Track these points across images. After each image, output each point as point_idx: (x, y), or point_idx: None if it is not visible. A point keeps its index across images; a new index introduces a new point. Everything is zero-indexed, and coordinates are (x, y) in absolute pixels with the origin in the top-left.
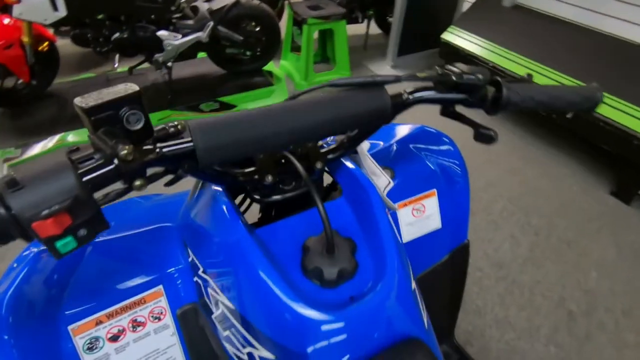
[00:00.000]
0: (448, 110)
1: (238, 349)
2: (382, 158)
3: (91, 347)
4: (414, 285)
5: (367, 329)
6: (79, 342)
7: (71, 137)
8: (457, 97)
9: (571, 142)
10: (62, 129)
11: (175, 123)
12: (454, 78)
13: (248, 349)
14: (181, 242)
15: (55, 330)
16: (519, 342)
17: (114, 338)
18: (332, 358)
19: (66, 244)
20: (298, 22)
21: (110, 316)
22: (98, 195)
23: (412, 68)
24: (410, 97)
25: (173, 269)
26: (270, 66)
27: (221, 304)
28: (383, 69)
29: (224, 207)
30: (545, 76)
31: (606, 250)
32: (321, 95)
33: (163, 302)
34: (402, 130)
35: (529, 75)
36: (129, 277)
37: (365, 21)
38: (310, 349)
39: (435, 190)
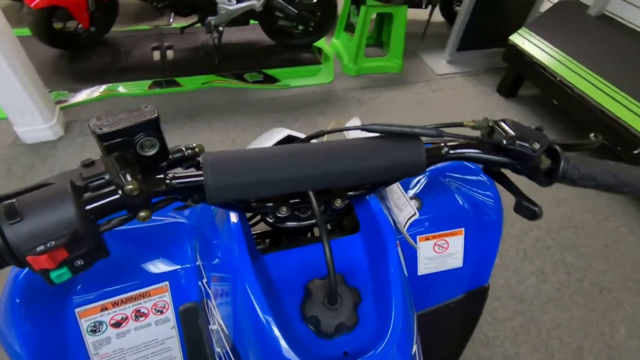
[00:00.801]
0: (492, 170)
1: None
2: (412, 186)
3: (94, 330)
4: (414, 349)
5: None
6: (84, 324)
7: (121, 88)
8: (505, 161)
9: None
10: (112, 78)
11: (193, 145)
12: (504, 142)
13: None
14: (191, 243)
15: (63, 312)
16: None
17: (117, 324)
18: None
19: (60, 275)
20: (357, 1)
21: (115, 304)
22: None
23: (471, 65)
24: (451, 152)
25: (180, 267)
26: (321, 43)
27: (217, 321)
28: (438, 62)
29: (233, 229)
30: (624, 106)
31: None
32: (351, 141)
33: (167, 298)
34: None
35: (596, 136)
36: (138, 269)
37: (429, 7)
38: None
39: (462, 230)
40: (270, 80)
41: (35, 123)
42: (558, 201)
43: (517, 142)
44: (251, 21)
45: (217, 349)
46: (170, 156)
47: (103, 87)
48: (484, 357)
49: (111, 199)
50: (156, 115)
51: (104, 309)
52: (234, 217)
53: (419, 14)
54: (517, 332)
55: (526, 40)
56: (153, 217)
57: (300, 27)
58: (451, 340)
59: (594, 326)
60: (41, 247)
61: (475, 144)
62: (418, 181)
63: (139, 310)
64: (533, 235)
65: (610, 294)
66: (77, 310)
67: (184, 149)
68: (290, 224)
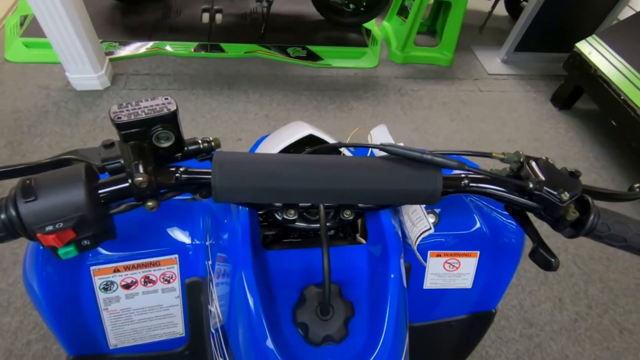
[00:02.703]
0: (514, 210)
1: (216, 349)
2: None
3: (106, 288)
4: None
5: None
6: (97, 281)
7: (168, 47)
8: (528, 204)
9: None
10: (161, 36)
11: (210, 139)
12: (530, 185)
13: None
14: (205, 223)
15: (80, 268)
16: None
17: (127, 286)
18: None
19: (67, 253)
20: None
21: (127, 268)
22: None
23: (526, 68)
24: (471, 185)
25: (191, 243)
26: (371, 25)
27: (214, 303)
28: (491, 60)
29: (241, 221)
30: None
31: None
32: (365, 159)
33: (175, 269)
34: None
35: (638, 189)
36: (151, 239)
37: None
38: None
39: (477, 252)
40: (313, 57)
41: (86, 71)
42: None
43: (545, 188)
44: None
45: (212, 330)
46: (186, 148)
47: (151, 44)
48: None
49: (121, 187)
50: (174, 109)
51: (116, 270)
52: (241, 216)
53: (481, 4)
54: (520, 356)
55: (594, 50)
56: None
57: (351, 6)
58: (446, 357)
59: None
60: (50, 227)
61: (499, 181)
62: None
63: (148, 277)
64: (559, 259)
65: (632, 336)
66: (92, 268)
67: (200, 141)
68: (298, 224)
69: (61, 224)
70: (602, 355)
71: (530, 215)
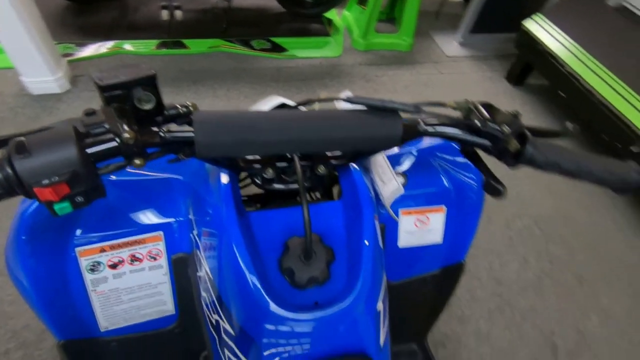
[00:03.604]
0: (466, 150)
1: (210, 313)
2: (400, 163)
3: (93, 269)
4: (379, 305)
5: (321, 335)
6: (83, 262)
7: (128, 46)
8: (478, 142)
9: None
10: (120, 35)
11: (189, 104)
12: (478, 123)
13: (216, 317)
14: (186, 198)
15: (65, 250)
16: (492, 358)
17: (113, 266)
18: (280, 352)
19: (63, 208)
20: None
21: (112, 247)
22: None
23: (482, 49)
24: (428, 128)
25: (174, 219)
26: (332, 14)
27: (204, 269)
28: (449, 43)
29: (223, 182)
30: (631, 104)
31: (618, 300)
32: (333, 111)
33: (161, 246)
34: (427, 138)
35: (575, 128)
36: (136, 217)
37: None
38: (264, 339)
39: (444, 207)
40: (278, 49)
41: (42, 74)
42: (552, 191)
43: (490, 124)
44: None
45: (204, 294)
46: (166, 112)
47: (110, 44)
48: (459, 332)
49: (109, 146)
50: (154, 72)
51: (102, 250)
52: (224, 177)
53: None
54: (492, 312)
55: (540, 27)
56: (152, 172)
57: None
58: (424, 312)
59: (568, 313)
60: (46, 181)
61: (451, 123)
62: (406, 158)
63: (134, 255)
64: (522, 222)
65: (590, 285)
66: (77, 249)
67: (179, 106)
68: (276, 186)
69: (56, 178)
70: (566, 306)
71: (482, 154)
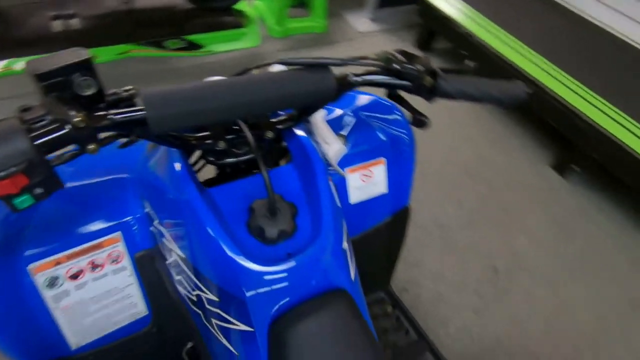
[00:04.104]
0: (392, 94)
1: (189, 292)
2: (338, 125)
3: (51, 284)
4: (345, 245)
5: (299, 281)
6: (39, 279)
7: (21, 64)
8: (399, 83)
9: (525, 115)
10: (8, 53)
11: (129, 87)
12: (396, 66)
13: (197, 292)
14: (138, 193)
15: (14, 269)
16: (448, 291)
17: (74, 277)
18: (267, 304)
19: (23, 201)
20: None
21: (69, 258)
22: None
23: (391, 23)
24: (356, 79)
25: (130, 217)
26: (243, 5)
27: (174, 253)
28: (360, 20)
29: (177, 166)
30: (512, 48)
31: (537, 219)
32: (269, 74)
33: (121, 247)
34: (359, 99)
35: (472, 64)
36: (87, 222)
37: None
38: (249, 295)
39: (384, 159)
40: (194, 46)
41: None
42: (471, 139)
43: (407, 66)
44: None
45: (178, 277)
46: (107, 98)
47: (1, 64)
48: (416, 276)
49: (60, 134)
50: (89, 56)
51: (57, 263)
52: (177, 162)
53: None
54: (441, 253)
55: None
56: (97, 177)
57: None
58: (383, 260)
59: (501, 239)
60: (2, 173)
61: (375, 71)
62: (343, 120)
63: (94, 262)
64: (450, 170)
65: (513, 212)
66: (29, 267)
67: (119, 91)
68: (228, 160)
69: (13, 169)
70: (498, 232)
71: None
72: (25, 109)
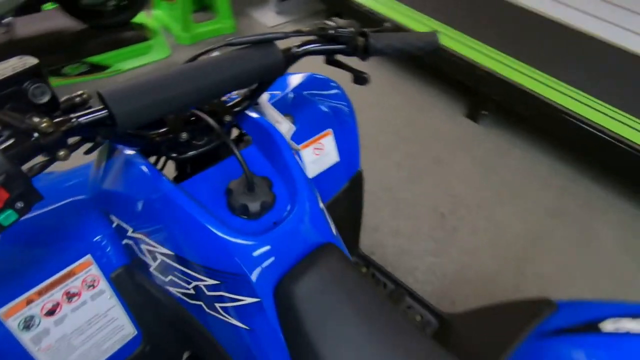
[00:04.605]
0: (330, 60)
1: (184, 288)
2: (282, 106)
3: (27, 326)
4: (321, 205)
5: (290, 244)
6: (12, 324)
7: None
8: (337, 47)
9: (436, 76)
10: None
11: (80, 92)
12: (331, 32)
13: (194, 284)
14: (99, 211)
15: None
16: (407, 243)
17: (50, 312)
18: (266, 272)
19: (7, 217)
20: None
21: (40, 293)
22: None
23: (296, 13)
24: (299, 50)
25: (99, 236)
26: (142, 18)
27: (159, 255)
28: (266, 15)
29: (144, 168)
30: (405, 15)
31: (464, 163)
32: (221, 55)
33: (94, 270)
34: (295, 79)
35: (388, 24)
36: (52, 252)
37: None
38: (248, 268)
39: (330, 130)
40: (98, 68)
41: None
42: (395, 106)
43: (340, 30)
44: (48, 5)
45: (169, 278)
46: (62, 105)
47: None
48: (378, 238)
49: (30, 142)
50: (37, 61)
51: (29, 302)
52: (142, 165)
53: None
54: (393, 212)
55: None
56: (51, 205)
57: (111, 2)
58: (349, 226)
59: (440, 187)
60: None
61: (314, 40)
62: (287, 100)
63: (69, 292)
64: (385, 138)
65: (443, 162)
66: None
67: (72, 97)
68: (191, 152)
69: None
70: (435, 181)
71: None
72: None
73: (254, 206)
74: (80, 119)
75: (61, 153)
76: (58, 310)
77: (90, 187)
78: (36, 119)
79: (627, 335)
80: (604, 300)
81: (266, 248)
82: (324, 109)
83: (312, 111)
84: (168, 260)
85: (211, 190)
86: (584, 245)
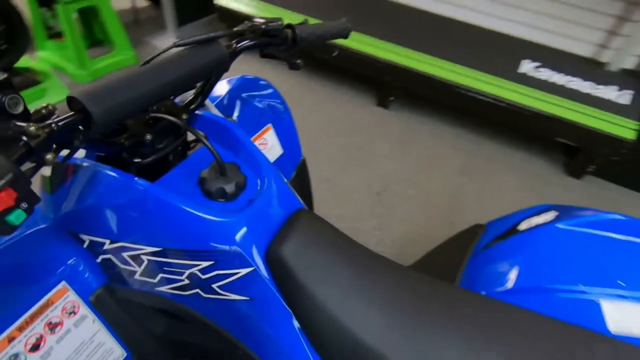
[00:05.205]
0: (264, 53)
1: (177, 281)
2: (222, 109)
3: None
4: (285, 179)
5: (268, 215)
6: None
7: None
8: (270, 40)
9: (343, 74)
10: None
11: (45, 104)
12: (263, 27)
13: (187, 272)
14: (66, 235)
15: None
16: (355, 225)
17: (35, 348)
18: (254, 242)
19: (18, 216)
20: (46, 1)
21: (21, 329)
22: None
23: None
24: (239, 45)
25: (71, 260)
26: (26, 62)
27: (144, 257)
28: (167, 42)
29: (115, 174)
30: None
31: (383, 144)
32: (175, 55)
33: (72, 296)
34: (229, 83)
35: (306, 20)
36: (24, 287)
37: None
38: (239, 242)
39: (270, 125)
40: None
41: None
42: (313, 107)
43: (270, 24)
44: None
45: (157, 278)
46: (33, 116)
47: None
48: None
49: (22, 147)
50: (7, 74)
51: (10, 339)
52: (110, 171)
53: (120, 3)
54: (336, 201)
55: (229, 0)
56: (13, 238)
57: None
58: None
59: (369, 170)
60: None
61: (249, 37)
62: (225, 103)
63: (50, 322)
64: (314, 137)
65: (366, 148)
66: None
67: (39, 108)
68: (154, 156)
69: (3, 182)
70: (364, 166)
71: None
72: None
73: (229, 187)
74: (60, 123)
75: (49, 157)
76: (42, 344)
77: (47, 215)
78: (22, 124)
79: (536, 227)
80: (519, 210)
81: (249, 222)
82: (261, 106)
83: (250, 110)
84: (156, 258)
85: (184, 184)
86: (493, 190)
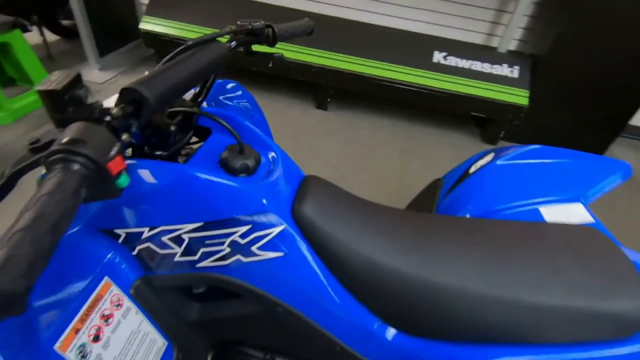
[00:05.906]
0: (249, 52)
1: (219, 252)
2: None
3: (83, 355)
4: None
5: (286, 182)
6: (71, 356)
7: None
8: (255, 38)
9: (282, 83)
10: None
11: (95, 100)
12: (249, 27)
13: (228, 240)
14: (99, 233)
15: (45, 355)
16: None
17: (96, 338)
18: (281, 203)
19: (124, 180)
20: None
21: (82, 321)
22: None
23: (123, 64)
24: (232, 44)
25: (109, 255)
26: None
27: (185, 235)
28: (92, 73)
29: (149, 164)
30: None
31: (329, 142)
32: (190, 52)
33: (115, 290)
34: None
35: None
36: (75, 282)
37: (35, 28)
38: (269, 205)
39: (247, 123)
40: None
41: None
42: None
43: (254, 23)
44: None
45: (200, 253)
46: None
47: None
48: None
49: (109, 125)
50: (78, 72)
51: (76, 330)
52: (143, 162)
53: (32, 38)
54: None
55: (154, 25)
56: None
57: None
58: None
59: (323, 164)
60: (112, 153)
61: (238, 37)
62: (207, 107)
63: (103, 315)
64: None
65: (316, 147)
66: (56, 346)
67: (93, 103)
68: (173, 147)
69: (115, 150)
70: (317, 163)
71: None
72: (34, 142)
73: (250, 162)
74: (125, 107)
75: (125, 136)
76: (101, 334)
77: (78, 218)
78: (107, 107)
79: (481, 168)
80: (467, 159)
81: (273, 188)
82: (237, 107)
83: (228, 111)
84: (197, 234)
85: (208, 165)
86: (431, 163)
